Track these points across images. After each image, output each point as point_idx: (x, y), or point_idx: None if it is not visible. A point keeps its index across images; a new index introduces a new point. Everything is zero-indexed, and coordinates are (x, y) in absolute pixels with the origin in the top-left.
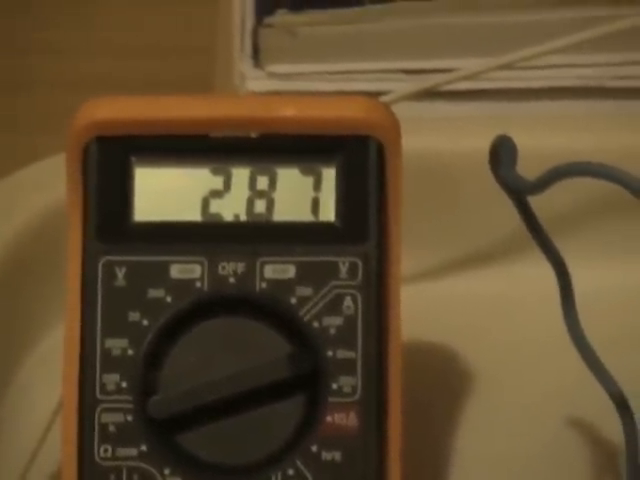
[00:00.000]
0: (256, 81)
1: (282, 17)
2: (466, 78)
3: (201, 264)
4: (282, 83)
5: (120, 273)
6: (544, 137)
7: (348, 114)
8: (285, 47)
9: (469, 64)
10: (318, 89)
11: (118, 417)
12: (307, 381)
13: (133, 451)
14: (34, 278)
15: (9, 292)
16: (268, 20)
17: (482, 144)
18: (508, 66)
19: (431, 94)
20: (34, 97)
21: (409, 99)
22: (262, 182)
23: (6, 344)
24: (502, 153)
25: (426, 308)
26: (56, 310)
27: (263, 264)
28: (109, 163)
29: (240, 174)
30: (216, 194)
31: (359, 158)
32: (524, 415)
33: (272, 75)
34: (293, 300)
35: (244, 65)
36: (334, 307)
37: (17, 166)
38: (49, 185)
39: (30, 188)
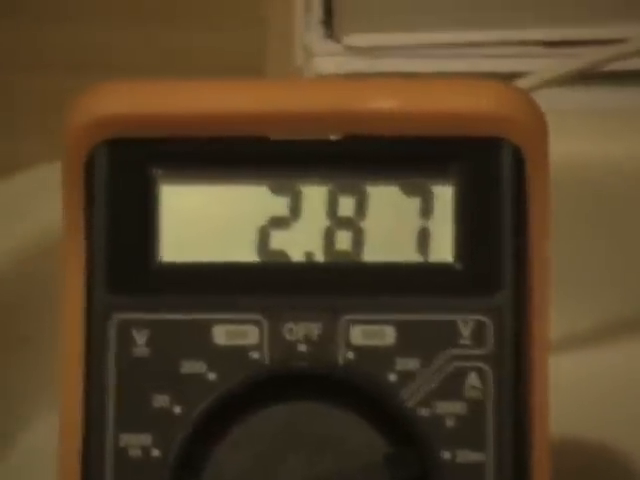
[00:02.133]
0: (329, 58)
1: None
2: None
3: (258, 325)
4: (366, 61)
5: (141, 338)
6: None
7: (471, 106)
8: (370, 9)
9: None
10: (419, 70)
11: None
12: None
13: None
14: (15, 347)
15: None
16: None
17: None
18: None
19: (589, 77)
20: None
21: (557, 84)
22: (346, 205)
23: None
24: None
25: (579, 386)
26: (46, 392)
27: (349, 325)
28: (123, 178)
29: (314, 194)
30: (279, 223)
31: (487, 170)
32: None
33: (352, 50)
34: (392, 377)
35: (311, 35)
36: (452, 388)
37: None
38: (32, 209)
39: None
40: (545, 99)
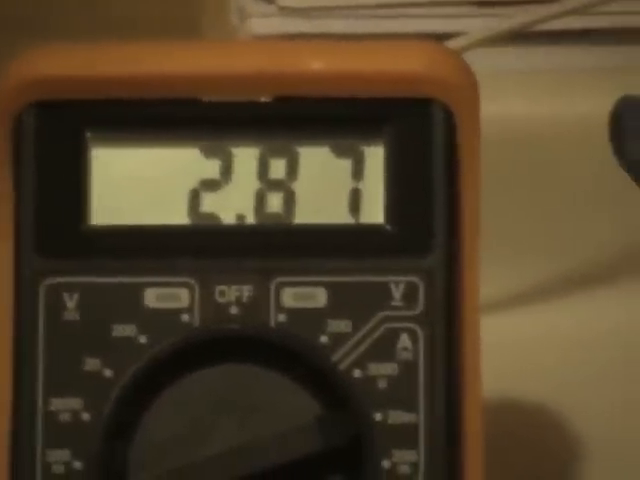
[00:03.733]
0: (263, 20)
1: None
2: (569, 13)
3: (189, 288)
4: (300, 22)
5: (71, 302)
6: None
7: (401, 67)
8: None
9: None
10: (353, 31)
11: None
12: (345, 457)
13: None
14: None
15: None
16: None
17: (593, 107)
18: None
19: (519, 37)
20: None
21: (488, 44)
22: (277, 167)
23: None
24: (628, 121)
25: (510, 346)
26: None
27: (280, 287)
28: (53, 140)
29: (245, 156)
30: (210, 185)
31: (418, 131)
32: None
33: (286, 10)
34: (323, 339)
35: None
36: (384, 349)
37: None
38: None
39: None
40: (479, 59)
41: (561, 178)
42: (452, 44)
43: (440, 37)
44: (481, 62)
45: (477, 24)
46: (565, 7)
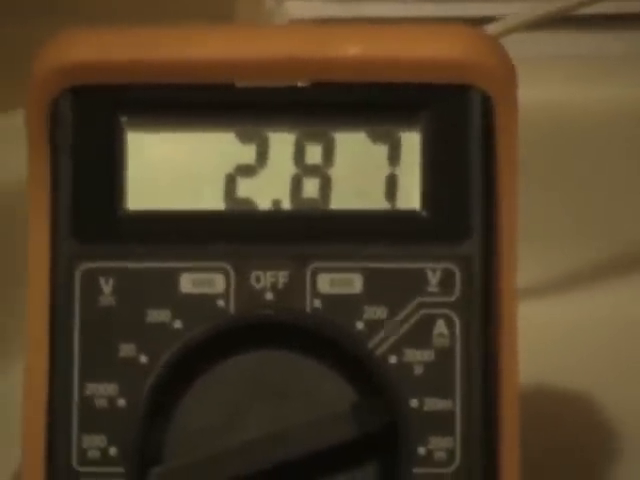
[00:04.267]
0: (299, 3)
1: None
2: None
3: (225, 273)
4: (337, 6)
5: (107, 287)
6: None
7: (439, 53)
8: None
9: None
10: (389, 15)
11: None
12: (381, 443)
13: None
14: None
15: None
16: None
17: (634, 93)
18: None
19: (559, 22)
20: None
21: (526, 29)
22: (313, 153)
23: None
24: None
25: (545, 334)
26: (14, 341)
27: (316, 273)
28: (89, 125)
29: (281, 141)
30: (246, 171)
31: (455, 117)
32: None
33: None
34: (360, 325)
35: None
36: (420, 335)
37: None
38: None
39: None
40: (517, 44)
41: (597, 163)
42: (489, 29)
43: (477, 21)
44: (520, 47)
45: (515, 9)
46: None
